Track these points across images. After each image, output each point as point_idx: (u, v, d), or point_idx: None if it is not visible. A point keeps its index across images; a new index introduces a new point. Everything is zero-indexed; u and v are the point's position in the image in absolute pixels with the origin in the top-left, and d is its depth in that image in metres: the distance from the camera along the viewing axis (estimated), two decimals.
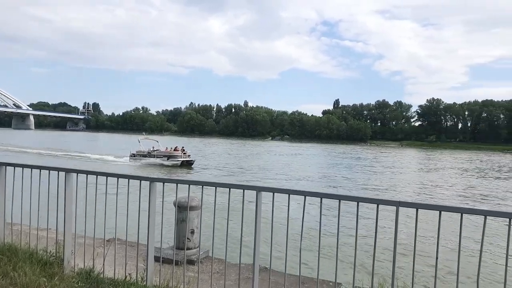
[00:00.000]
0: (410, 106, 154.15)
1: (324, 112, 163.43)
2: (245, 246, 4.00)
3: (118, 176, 4.06)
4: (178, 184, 3.84)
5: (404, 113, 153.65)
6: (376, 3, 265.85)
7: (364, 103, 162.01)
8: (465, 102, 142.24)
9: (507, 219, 2.67)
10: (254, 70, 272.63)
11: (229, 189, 3.61)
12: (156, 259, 4.54)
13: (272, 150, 79.23)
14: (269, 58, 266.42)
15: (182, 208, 5.14)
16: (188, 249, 5.40)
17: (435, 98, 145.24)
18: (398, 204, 2.93)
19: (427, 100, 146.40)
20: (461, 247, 2.89)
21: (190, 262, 5.26)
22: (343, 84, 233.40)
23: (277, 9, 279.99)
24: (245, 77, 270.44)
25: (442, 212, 2.86)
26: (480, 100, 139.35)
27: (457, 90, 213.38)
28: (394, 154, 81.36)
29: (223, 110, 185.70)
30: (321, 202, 3.28)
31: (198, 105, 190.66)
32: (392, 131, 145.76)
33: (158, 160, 38.27)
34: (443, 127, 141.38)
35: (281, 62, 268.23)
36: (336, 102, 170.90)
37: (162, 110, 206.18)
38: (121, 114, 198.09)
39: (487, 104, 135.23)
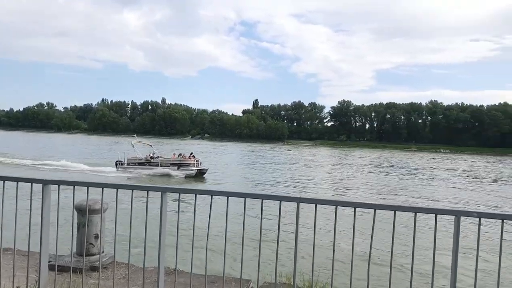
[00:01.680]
0: (323, 107, 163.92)
1: (244, 112, 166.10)
2: (153, 249, 3.86)
3: (5, 179, 3.64)
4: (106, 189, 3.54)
5: (318, 114, 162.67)
6: (292, 7, 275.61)
7: (282, 104, 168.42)
8: (372, 104, 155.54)
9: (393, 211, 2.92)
10: (173, 66, 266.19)
11: (132, 191, 3.45)
12: (53, 267, 4.17)
13: (183, 148, 78.19)
14: (188, 55, 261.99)
15: (83, 212, 4.79)
16: (92, 255, 5.05)
17: (346, 100, 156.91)
18: (299, 200, 3.03)
19: (339, 101, 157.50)
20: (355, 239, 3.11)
21: (94, 268, 4.93)
22: (262, 84, 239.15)
23: (196, 6, 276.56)
24: (163, 74, 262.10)
25: (338, 206, 3.04)
26: (384, 103, 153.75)
27: (365, 93, 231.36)
28: (298, 152, 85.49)
29: (139, 107, 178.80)
30: (227, 200, 3.28)
31: (111, 101, 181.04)
32: (307, 131, 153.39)
33: (161, 170, 31.59)
34: (353, 127, 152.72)
35: (201, 60, 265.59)
36: (255, 102, 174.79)
37: (71, 106, 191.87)
38: (21, 110, 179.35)
39: (391, 106, 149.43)
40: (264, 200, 3.16)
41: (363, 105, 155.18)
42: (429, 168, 53.47)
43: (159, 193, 3.36)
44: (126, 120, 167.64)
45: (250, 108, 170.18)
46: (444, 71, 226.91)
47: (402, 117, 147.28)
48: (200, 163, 33.55)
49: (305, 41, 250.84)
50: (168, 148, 73.25)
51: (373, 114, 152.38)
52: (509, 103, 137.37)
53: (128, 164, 32.94)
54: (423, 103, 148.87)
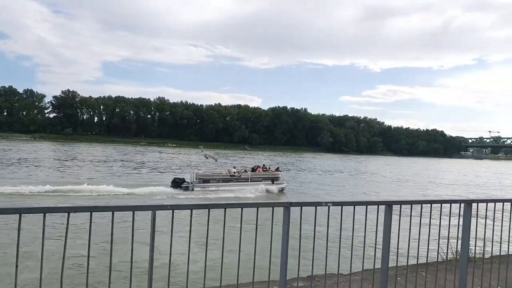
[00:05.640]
0: (43, 96, 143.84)
1: None
2: None
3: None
4: None
5: (37, 103, 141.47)
6: None
7: None
8: (100, 97, 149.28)
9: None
10: None
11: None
12: None
13: None
14: None
15: None
16: None
17: (71, 90, 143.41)
18: (44, 210, 2.70)
19: (63, 91, 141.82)
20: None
21: None
22: None
23: None
24: None
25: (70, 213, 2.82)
26: (113, 96, 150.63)
27: (93, 84, 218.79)
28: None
29: None
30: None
31: None
32: (22, 122, 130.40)
33: (261, 186, 27.90)
34: (79, 120, 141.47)
35: None
36: None
37: None
38: None
39: (120, 100, 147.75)
40: None
41: (90, 97, 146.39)
42: (156, 161, 55.07)
43: None
44: None
45: None
46: (169, 70, 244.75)
47: (132, 112, 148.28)
48: None
49: (14, 16, 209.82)
50: None
51: (101, 107, 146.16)
52: (222, 104, 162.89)
53: (206, 181, 27.16)
54: (152, 99, 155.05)
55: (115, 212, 2.89)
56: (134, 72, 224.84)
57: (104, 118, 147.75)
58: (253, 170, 30.14)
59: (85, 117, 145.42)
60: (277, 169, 30.95)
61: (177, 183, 26.67)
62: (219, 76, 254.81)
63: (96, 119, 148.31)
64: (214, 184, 27.18)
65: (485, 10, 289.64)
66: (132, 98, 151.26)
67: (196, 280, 3.97)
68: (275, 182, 29.04)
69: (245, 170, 30.12)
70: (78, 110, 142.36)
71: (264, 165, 32.79)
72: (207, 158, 30.04)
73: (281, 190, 28.98)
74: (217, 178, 27.65)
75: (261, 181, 28.61)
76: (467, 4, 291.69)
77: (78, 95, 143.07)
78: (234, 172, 28.66)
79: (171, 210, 3.07)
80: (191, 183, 26.71)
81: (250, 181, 28.18)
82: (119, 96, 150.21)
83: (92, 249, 3.04)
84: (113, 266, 3.07)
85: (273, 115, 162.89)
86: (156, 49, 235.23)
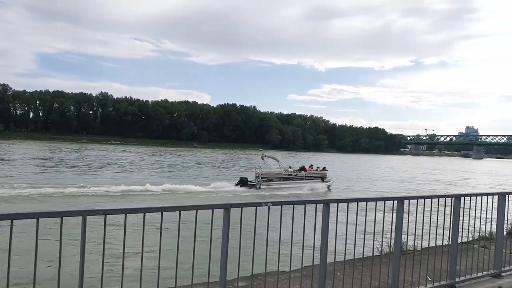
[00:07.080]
0: None
1: None
2: None
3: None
4: None
5: None
6: None
7: None
8: (36, 91, 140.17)
9: None
10: None
11: None
12: None
13: None
14: None
15: None
16: None
17: (2, 83, 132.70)
18: None
19: None
20: None
21: None
22: None
23: None
24: None
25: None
26: (51, 90, 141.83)
27: (27, 77, 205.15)
28: None
29: None
30: None
31: None
32: None
33: (314, 184, 30.87)
34: (12, 115, 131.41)
35: None
36: None
37: None
38: None
39: (58, 95, 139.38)
40: None
41: (24, 91, 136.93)
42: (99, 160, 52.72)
43: None
44: None
45: None
46: (113, 64, 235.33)
47: (72, 108, 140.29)
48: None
49: None
50: None
51: (38, 102, 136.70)
52: (169, 100, 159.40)
53: (270, 180, 30.23)
54: (94, 94, 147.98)
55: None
56: (75, 66, 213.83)
57: (41, 114, 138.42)
58: (301, 169, 33.66)
59: (18, 112, 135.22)
60: (323, 169, 34.45)
61: (244, 182, 29.86)
62: (166, 72, 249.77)
63: (31, 114, 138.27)
64: (276, 182, 30.64)
65: (420, 15, 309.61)
66: (72, 93, 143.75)
67: (132, 286, 3.82)
68: (324, 180, 32.80)
69: (300, 170, 33.62)
70: (10, 105, 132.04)
71: (312, 165, 36.00)
72: (263, 159, 32.50)
73: (329, 187, 32.22)
74: (279, 177, 31.32)
75: (313, 179, 32.24)
76: (405, 9, 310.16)
77: (10, 88, 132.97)
78: (291, 172, 32.21)
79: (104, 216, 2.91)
80: (258, 181, 29.65)
81: (305, 179, 31.90)
82: (57, 90, 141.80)
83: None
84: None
85: (222, 112, 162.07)
86: (98, 42, 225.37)
